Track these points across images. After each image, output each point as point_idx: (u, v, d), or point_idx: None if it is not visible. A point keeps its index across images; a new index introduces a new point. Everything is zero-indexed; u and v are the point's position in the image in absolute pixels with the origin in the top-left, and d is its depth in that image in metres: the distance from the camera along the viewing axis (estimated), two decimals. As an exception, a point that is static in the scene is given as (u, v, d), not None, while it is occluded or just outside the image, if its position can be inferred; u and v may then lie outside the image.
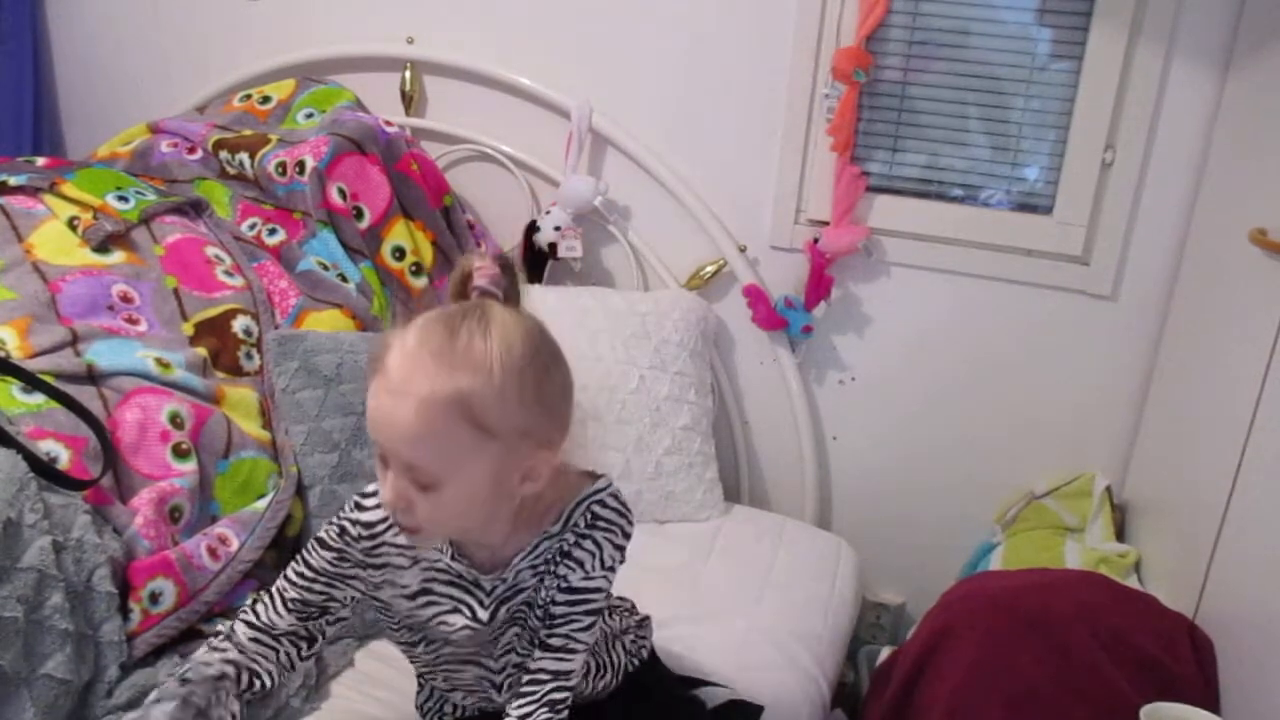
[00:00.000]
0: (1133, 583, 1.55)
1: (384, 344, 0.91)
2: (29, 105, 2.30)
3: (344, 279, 1.75)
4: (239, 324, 1.58)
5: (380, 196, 1.86)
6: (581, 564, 1.00)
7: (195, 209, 1.77)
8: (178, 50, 2.26)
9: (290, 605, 1.04)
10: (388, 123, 1.95)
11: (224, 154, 1.90)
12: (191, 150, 1.95)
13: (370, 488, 1.02)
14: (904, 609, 2.05)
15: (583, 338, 1.81)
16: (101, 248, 1.55)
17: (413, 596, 1.04)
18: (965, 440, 1.94)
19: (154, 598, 1.24)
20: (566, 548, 1.01)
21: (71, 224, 1.56)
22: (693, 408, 1.85)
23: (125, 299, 1.51)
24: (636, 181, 1.99)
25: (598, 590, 1.01)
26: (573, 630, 1.00)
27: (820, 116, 1.88)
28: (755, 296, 1.94)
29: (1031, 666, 1.29)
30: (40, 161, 1.78)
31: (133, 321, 1.49)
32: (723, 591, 1.62)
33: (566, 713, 1.00)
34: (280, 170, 1.82)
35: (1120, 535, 1.76)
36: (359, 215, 1.84)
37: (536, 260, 2.03)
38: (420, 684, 1.23)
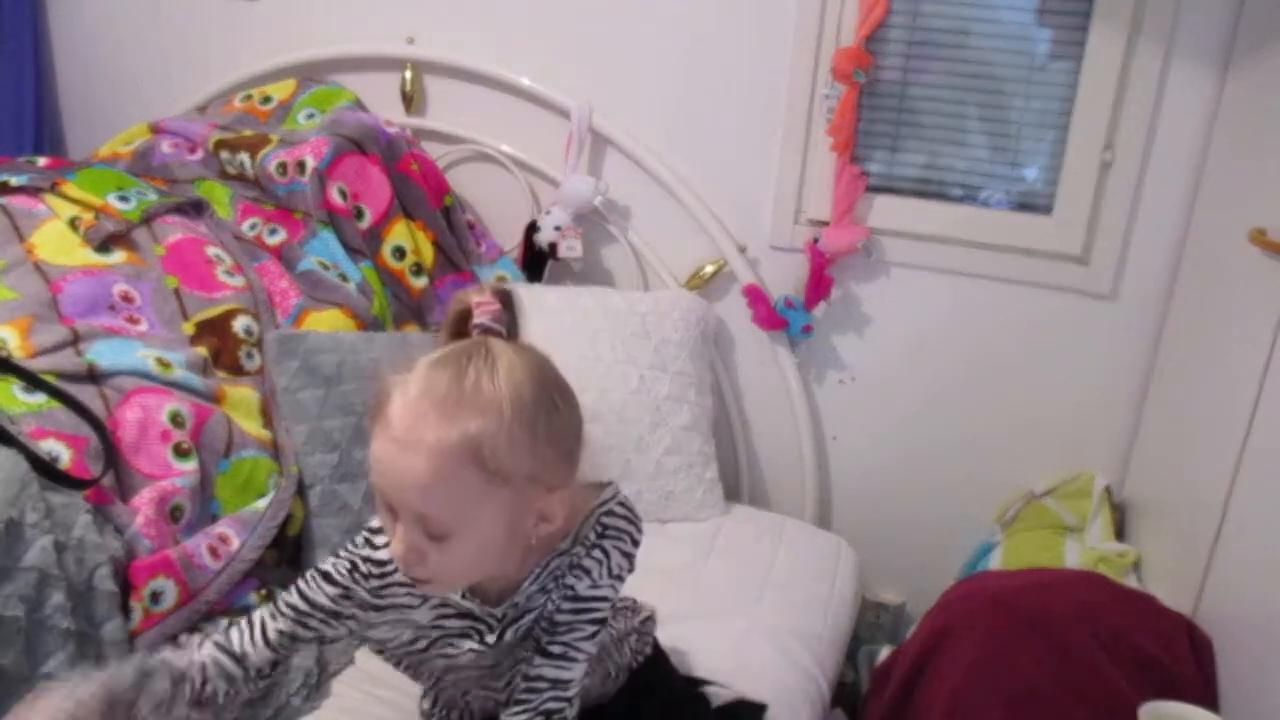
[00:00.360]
0: (1132, 582, 1.56)
1: (384, 391, 0.87)
2: (30, 105, 2.30)
3: (344, 279, 1.76)
4: (240, 324, 1.58)
5: (381, 196, 1.86)
6: (589, 572, 0.97)
7: (196, 209, 1.77)
8: (178, 50, 2.26)
9: (271, 639, 0.99)
10: (388, 123, 1.96)
11: (225, 154, 1.90)
12: (192, 150, 1.95)
13: (375, 523, 0.99)
14: (904, 609, 2.05)
15: (583, 338, 1.81)
16: (102, 247, 1.55)
17: (422, 629, 1.01)
18: (965, 440, 1.95)
19: (155, 597, 1.24)
20: (575, 560, 0.98)
21: (73, 224, 1.56)
22: (693, 408, 1.85)
23: (126, 299, 1.51)
24: (636, 181, 2.00)
25: (603, 599, 0.98)
26: (575, 639, 0.97)
27: (820, 116, 1.88)
28: (755, 296, 1.94)
29: (1031, 666, 1.29)
30: (41, 161, 1.78)
31: (134, 321, 1.49)
32: (723, 591, 1.63)
33: None
34: (281, 170, 1.82)
35: (1119, 535, 1.76)
36: (359, 215, 1.84)
37: (536, 260, 2.03)
38: (425, 690, 1.23)
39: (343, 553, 1.01)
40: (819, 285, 1.91)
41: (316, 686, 1.30)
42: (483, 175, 2.09)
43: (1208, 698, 1.27)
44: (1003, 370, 1.90)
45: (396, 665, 1.09)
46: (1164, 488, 1.67)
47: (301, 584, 1.01)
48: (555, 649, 0.97)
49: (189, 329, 1.54)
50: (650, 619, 1.24)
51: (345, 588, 0.98)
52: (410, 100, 2.09)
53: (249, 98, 2.08)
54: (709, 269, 1.98)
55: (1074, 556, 1.67)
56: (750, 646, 1.49)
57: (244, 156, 1.87)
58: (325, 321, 1.67)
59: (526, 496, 0.89)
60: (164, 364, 1.43)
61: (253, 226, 1.81)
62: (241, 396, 1.51)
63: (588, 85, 1.95)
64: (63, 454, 1.24)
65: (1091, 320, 1.82)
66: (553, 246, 1.98)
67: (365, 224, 1.84)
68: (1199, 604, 1.39)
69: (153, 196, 1.71)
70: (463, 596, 0.99)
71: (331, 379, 1.50)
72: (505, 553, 0.92)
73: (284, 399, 1.49)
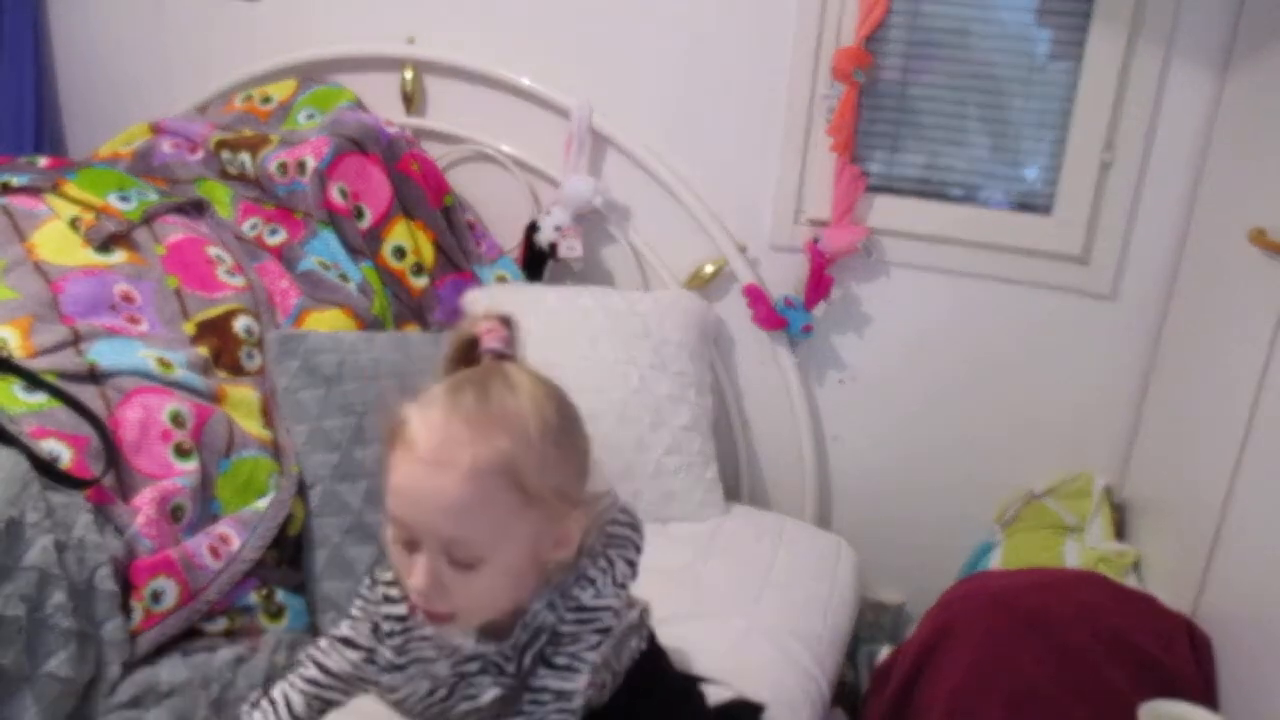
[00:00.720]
0: (1132, 582, 1.56)
1: (399, 419, 0.86)
2: (31, 105, 2.31)
3: (345, 279, 1.76)
4: (240, 324, 1.58)
5: (381, 196, 1.87)
6: (594, 582, 0.96)
7: (197, 209, 1.77)
8: (179, 50, 2.26)
9: (298, 713, 0.98)
10: (388, 123, 1.96)
11: (225, 154, 1.90)
12: (193, 150, 1.95)
13: (388, 576, 0.96)
14: (903, 609, 2.05)
15: (583, 337, 1.82)
16: (103, 247, 1.55)
17: (440, 680, 0.98)
18: (965, 440, 1.95)
19: (156, 597, 1.24)
20: (580, 570, 0.96)
21: (73, 224, 1.56)
22: (693, 407, 1.85)
23: (127, 299, 1.51)
24: (636, 181, 2.00)
25: (607, 609, 0.96)
26: (579, 649, 0.95)
27: (820, 116, 1.88)
28: (755, 296, 1.94)
29: (1031, 666, 1.29)
30: (42, 162, 1.78)
31: (134, 321, 1.50)
32: (723, 591, 1.63)
33: None
34: (281, 170, 1.83)
35: (1119, 535, 1.76)
36: (360, 215, 1.84)
37: (536, 260, 2.03)
38: None
39: (357, 612, 0.98)
40: (819, 285, 1.91)
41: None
42: (483, 175, 2.09)
43: (1208, 698, 1.27)
44: (1003, 370, 1.90)
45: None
46: (1164, 488, 1.68)
47: (317, 654, 0.98)
48: (560, 660, 0.95)
49: (190, 329, 1.54)
50: (645, 611, 1.24)
51: (368, 650, 0.96)
52: (410, 100, 2.09)
53: (249, 98, 2.08)
54: (709, 269, 1.98)
55: (1074, 556, 1.67)
56: (750, 646, 1.49)
57: (244, 156, 1.87)
58: (325, 321, 1.67)
59: (551, 518, 0.88)
60: (165, 364, 1.43)
61: (253, 226, 1.81)
62: (242, 396, 1.51)
63: (588, 85, 1.95)
64: (63, 454, 1.24)
65: (1091, 320, 1.82)
66: (553, 246, 1.98)
67: (365, 224, 1.84)
68: (1199, 604, 1.39)
69: (153, 196, 1.71)
70: (477, 641, 0.96)
71: (332, 379, 1.50)
72: (524, 582, 0.91)
73: (284, 399, 1.49)
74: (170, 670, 1.19)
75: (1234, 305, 1.47)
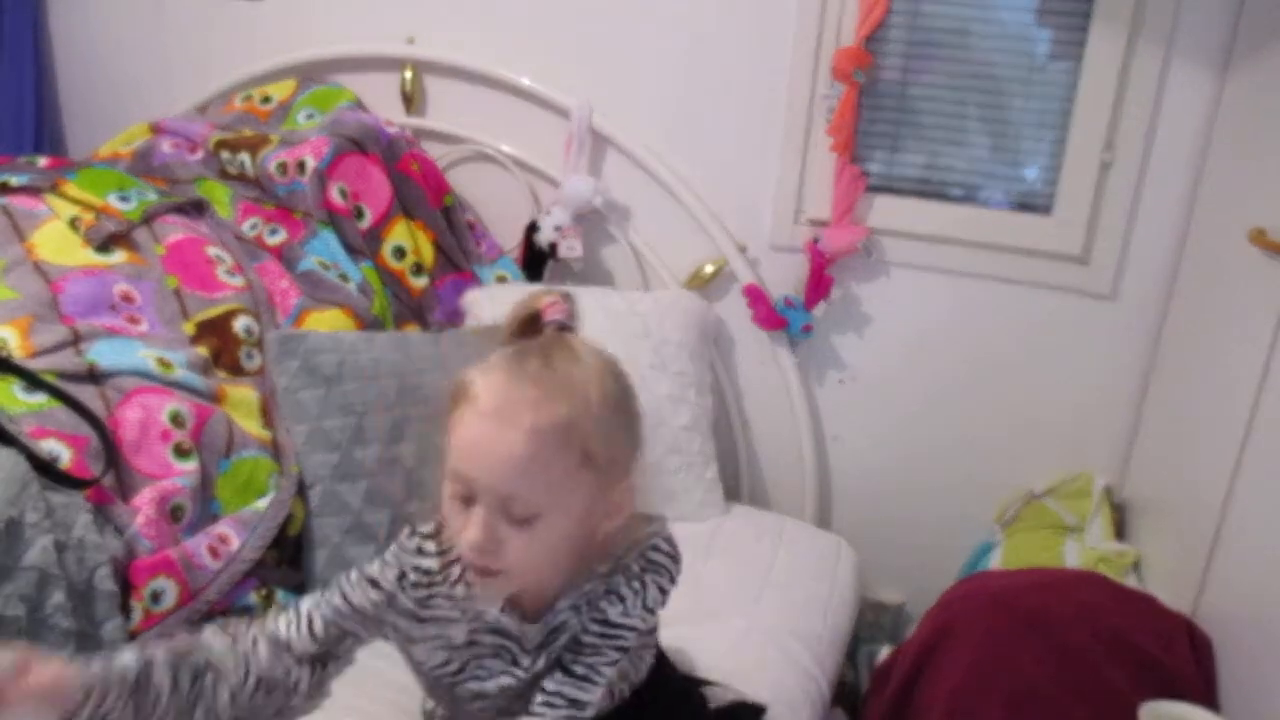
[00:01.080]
0: (1132, 582, 1.56)
1: (463, 382, 0.89)
2: (30, 105, 2.31)
3: (345, 279, 1.76)
4: (240, 324, 1.58)
5: (381, 196, 1.87)
6: (623, 600, 0.97)
7: (196, 209, 1.77)
8: (179, 50, 2.26)
9: (317, 632, 0.98)
10: (388, 123, 1.96)
11: (225, 154, 1.90)
12: (193, 150, 1.95)
13: (427, 529, 0.99)
14: (903, 609, 2.05)
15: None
16: (103, 247, 1.55)
17: (455, 650, 1.00)
18: (965, 440, 1.95)
19: (155, 597, 1.24)
20: (613, 586, 0.98)
21: (73, 224, 1.56)
22: (693, 408, 1.85)
23: (126, 299, 1.51)
24: (636, 181, 2.00)
25: (631, 628, 0.98)
26: (598, 662, 0.97)
27: (820, 116, 1.88)
28: (755, 296, 1.94)
29: (1031, 666, 1.29)
30: (42, 161, 1.78)
31: (134, 321, 1.49)
32: (723, 591, 1.63)
33: None
34: (281, 170, 1.83)
35: (1119, 535, 1.76)
36: (359, 215, 1.84)
37: (536, 260, 2.03)
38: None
39: (389, 556, 1.00)
40: (819, 285, 1.91)
41: (317, 687, 1.30)
42: (483, 175, 2.09)
43: (1208, 698, 1.27)
44: (1003, 370, 1.90)
45: (429, 692, 1.07)
46: (1164, 488, 1.68)
47: (345, 585, 1.00)
48: (578, 669, 0.96)
49: (189, 329, 1.54)
50: (655, 625, 1.25)
51: (390, 594, 0.98)
52: (410, 100, 2.09)
53: (249, 98, 2.08)
54: (709, 269, 1.98)
55: (1074, 556, 1.67)
56: (750, 646, 1.49)
57: (244, 156, 1.87)
58: (325, 321, 1.67)
59: (606, 484, 0.91)
60: (164, 364, 1.43)
61: (253, 226, 1.81)
62: (242, 396, 1.51)
63: (588, 85, 1.95)
64: (63, 454, 1.24)
65: (1091, 320, 1.82)
66: (553, 246, 1.98)
67: (365, 224, 1.84)
68: (1199, 604, 1.39)
69: (153, 196, 1.71)
70: (502, 611, 0.98)
71: (331, 379, 1.50)
72: (574, 548, 0.94)
73: (284, 399, 1.49)
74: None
75: (1234, 305, 1.47)
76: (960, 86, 1.82)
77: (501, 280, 2.02)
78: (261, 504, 1.41)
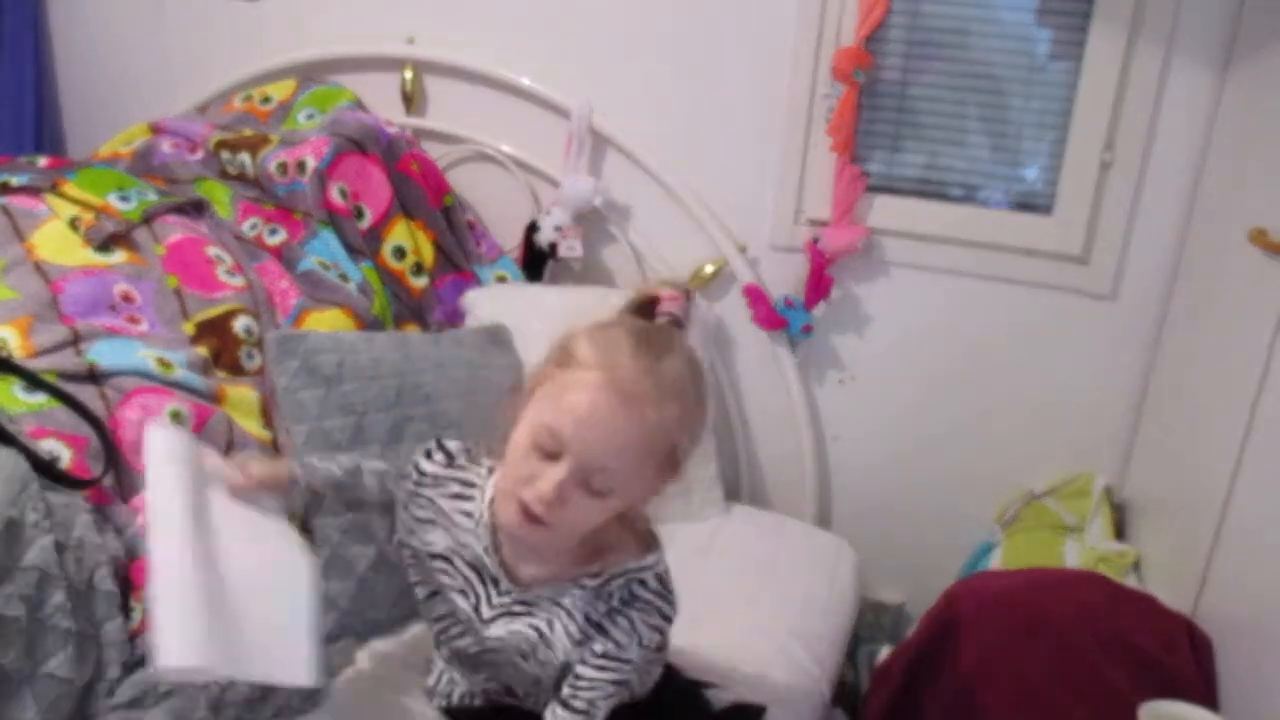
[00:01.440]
0: (1132, 582, 1.56)
1: (577, 346, 0.93)
2: (30, 105, 2.30)
3: (345, 279, 1.76)
4: (240, 324, 1.58)
5: (381, 196, 1.87)
6: (617, 641, 1.00)
7: (196, 209, 1.77)
8: (179, 50, 2.26)
9: (338, 475, 1.15)
10: (388, 123, 1.96)
11: (225, 154, 1.90)
12: (193, 150, 1.95)
13: (452, 445, 1.08)
14: (903, 608, 2.05)
15: (583, 337, 1.81)
16: (103, 247, 1.55)
17: (433, 557, 1.07)
18: (964, 440, 1.95)
19: (155, 597, 1.23)
20: (596, 617, 1.01)
21: (73, 224, 1.56)
22: (693, 407, 1.85)
23: (126, 299, 1.51)
24: (636, 181, 2.00)
25: (628, 661, 1.01)
26: (596, 697, 1.00)
27: (820, 116, 1.88)
28: (755, 296, 1.94)
29: (1031, 666, 1.29)
30: (42, 161, 1.78)
31: (134, 321, 1.49)
32: (723, 591, 1.63)
33: None
34: (281, 170, 1.83)
35: (1119, 535, 1.76)
36: (359, 215, 1.84)
37: (536, 260, 2.03)
38: (432, 666, 1.24)
39: (408, 468, 1.11)
40: (819, 285, 1.91)
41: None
42: (483, 175, 2.09)
43: (1208, 698, 1.27)
44: (1002, 370, 1.90)
45: (423, 599, 1.13)
46: (1164, 488, 1.68)
47: (361, 459, 1.16)
48: (578, 704, 1.00)
49: (189, 329, 1.54)
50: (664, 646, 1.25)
51: (390, 474, 1.11)
52: (410, 100, 2.09)
53: (249, 98, 2.08)
54: (709, 269, 1.98)
55: (1074, 556, 1.67)
56: (750, 646, 1.49)
57: (244, 156, 1.87)
58: (325, 321, 1.67)
59: (670, 477, 0.97)
60: (164, 364, 1.43)
61: (253, 226, 1.81)
62: (242, 396, 1.51)
63: (588, 85, 1.95)
64: (63, 454, 1.23)
65: (1091, 320, 1.82)
66: (553, 246, 1.98)
67: (365, 224, 1.84)
68: (1199, 604, 1.39)
69: (153, 196, 1.71)
70: (485, 550, 1.03)
71: (331, 379, 1.50)
72: (611, 518, 0.99)
73: (284, 399, 1.49)
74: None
75: (1234, 305, 1.47)
76: (960, 86, 1.82)
77: (501, 280, 2.02)
78: (261, 504, 1.41)
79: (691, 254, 1.99)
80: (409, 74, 2.08)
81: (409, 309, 1.88)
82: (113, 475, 1.28)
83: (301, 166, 1.81)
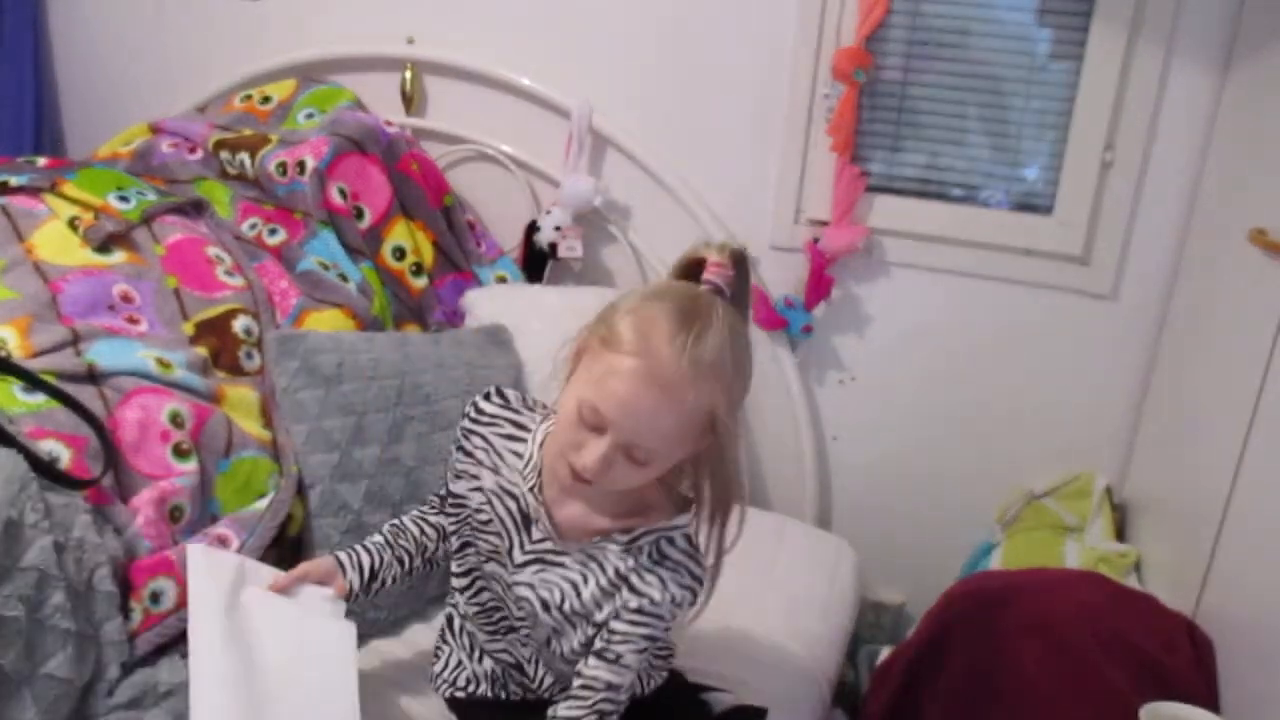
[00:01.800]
0: (1132, 582, 1.56)
1: (619, 324, 0.96)
2: (30, 105, 2.30)
3: (344, 279, 1.76)
4: (239, 324, 1.58)
5: (381, 196, 1.86)
6: (651, 598, 1.04)
7: (196, 209, 1.77)
8: (178, 50, 2.26)
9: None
10: (388, 123, 1.96)
11: (224, 154, 1.90)
12: (192, 150, 1.95)
13: (510, 392, 1.15)
14: (903, 609, 2.05)
15: (583, 337, 1.81)
16: (102, 248, 1.55)
17: (479, 491, 1.12)
18: (965, 440, 1.95)
19: (155, 597, 1.23)
20: (625, 572, 1.05)
21: (72, 224, 1.56)
22: (693, 407, 1.85)
23: (126, 299, 1.51)
24: (636, 181, 1.99)
25: (659, 618, 1.05)
26: (628, 649, 1.04)
27: (820, 116, 1.88)
28: (755, 296, 1.94)
29: (1031, 666, 1.29)
30: (41, 161, 1.78)
31: (133, 321, 1.49)
32: (723, 591, 1.61)
33: None
34: (281, 170, 1.82)
35: (1120, 535, 1.76)
36: (359, 215, 1.84)
37: (536, 260, 2.03)
38: (437, 654, 1.25)
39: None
40: (819, 285, 1.90)
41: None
42: (483, 175, 2.09)
43: (1208, 698, 1.27)
44: (1002, 370, 1.90)
45: (459, 548, 1.17)
46: (1164, 488, 1.67)
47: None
48: (609, 654, 1.05)
49: (189, 329, 1.53)
50: (670, 654, 1.27)
51: (457, 433, 1.15)
52: (410, 100, 2.09)
53: (249, 98, 2.08)
54: (709, 269, 1.98)
55: (1074, 557, 1.67)
56: (750, 647, 1.49)
57: (244, 156, 1.87)
58: (325, 321, 1.67)
59: (715, 437, 1.00)
60: (164, 364, 1.43)
61: (253, 226, 1.81)
62: (241, 396, 1.51)
63: (588, 85, 1.95)
64: (63, 454, 1.23)
65: (1092, 320, 1.82)
66: (553, 246, 1.98)
67: (365, 224, 1.84)
68: (1199, 604, 1.39)
69: (152, 196, 1.71)
70: (530, 490, 1.08)
71: (331, 379, 1.50)
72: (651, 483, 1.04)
73: (284, 399, 1.49)
74: (169, 671, 1.19)
75: (1234, 305, 1.47)
76: (960, 86, 1.82)
77: (501, 280, 2.02)
78: (261, 504, 1.41)
79: (691, 254, 1.99)
80: (409, 74, 2.07)
81: (409, 309, 1.88)
82: (112, 475, 1.28)
83: (301, 166, 1.81)
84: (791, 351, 1.99)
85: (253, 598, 1.12)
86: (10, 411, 1.23)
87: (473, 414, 1.14)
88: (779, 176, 1.93)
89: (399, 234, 1.88)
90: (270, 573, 1.17)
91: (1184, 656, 1.30)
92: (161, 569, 1.25)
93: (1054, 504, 1.82)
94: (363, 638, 1.41)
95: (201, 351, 1.51)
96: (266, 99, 2.06)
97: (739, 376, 0.98)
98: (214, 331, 1.55)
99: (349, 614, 1.18)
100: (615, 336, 0.96)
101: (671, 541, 1.06)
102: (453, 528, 1.17)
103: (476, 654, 1.23)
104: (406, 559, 1.21)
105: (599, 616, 1.06)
